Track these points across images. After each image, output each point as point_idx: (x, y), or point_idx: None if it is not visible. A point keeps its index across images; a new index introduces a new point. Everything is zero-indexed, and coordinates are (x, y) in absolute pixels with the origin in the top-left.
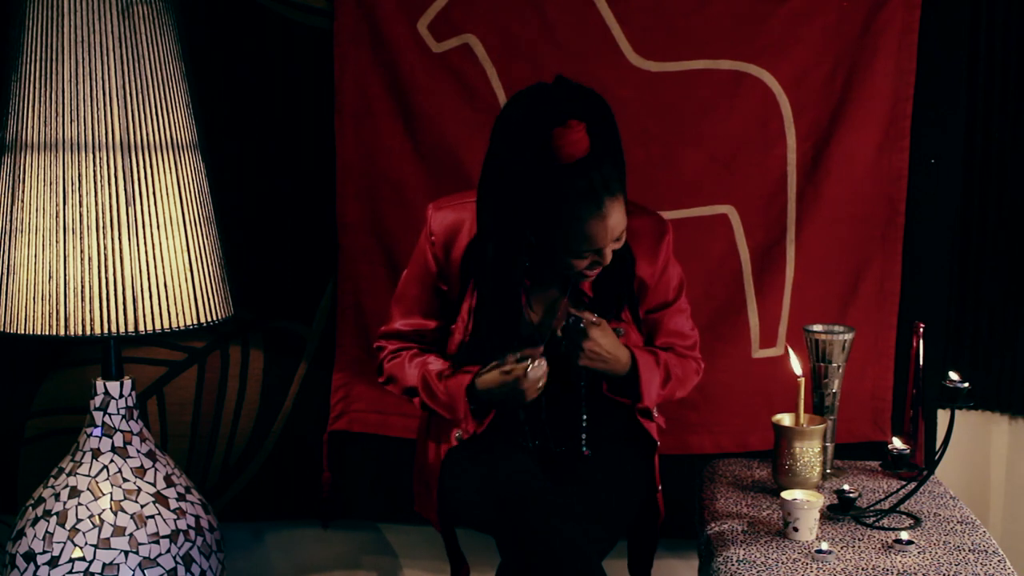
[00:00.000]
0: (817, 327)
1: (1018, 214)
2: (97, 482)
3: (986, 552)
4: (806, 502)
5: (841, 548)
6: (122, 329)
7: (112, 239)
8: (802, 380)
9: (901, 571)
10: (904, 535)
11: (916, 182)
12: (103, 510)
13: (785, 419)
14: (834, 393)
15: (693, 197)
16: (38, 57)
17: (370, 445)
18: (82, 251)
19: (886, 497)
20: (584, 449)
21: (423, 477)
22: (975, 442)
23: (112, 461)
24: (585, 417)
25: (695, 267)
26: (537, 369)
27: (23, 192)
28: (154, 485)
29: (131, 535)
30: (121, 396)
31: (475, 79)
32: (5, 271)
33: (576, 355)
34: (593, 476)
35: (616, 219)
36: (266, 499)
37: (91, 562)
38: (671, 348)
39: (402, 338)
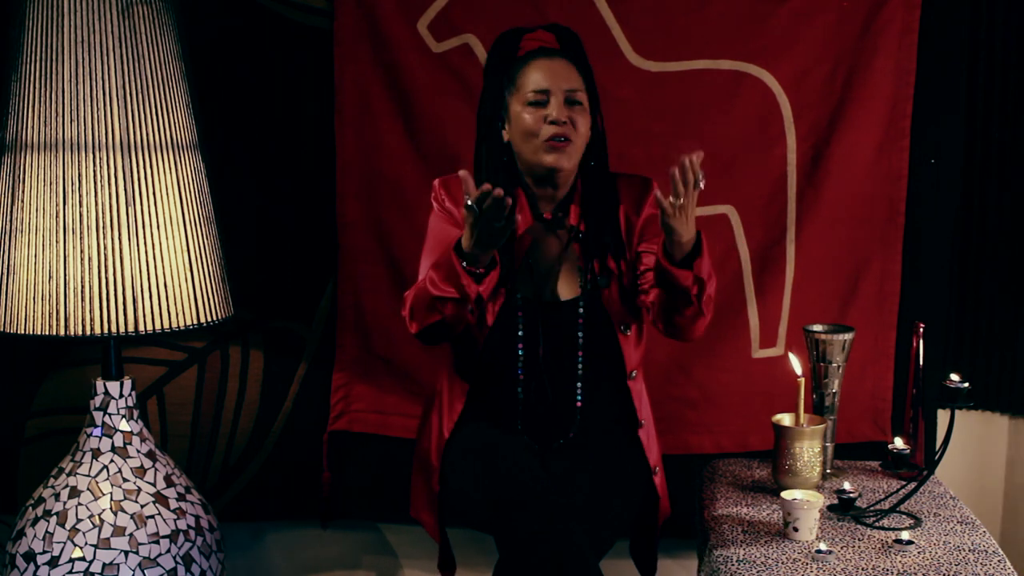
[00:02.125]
0: (817, 327)
1: (1018, 214)
2: (97, 482)
3: (986, 552)
4: (806, 502)
5: (841, 548)
6: (122, 329)
7: (112, 239)
8: (802, 380)
9: (901, 571)
10: (904, 535)
11: (916, 182)
12: (103, 510)
13: (785, 419)
14: (834, 393)
15: None
16: (38, 57)
17: (370, 445)
18: (82, 251)
19: (886, 497)
20: (578, 400)
21: (422, 472)
22: (975, 442)
23: (112, 461)
24: (581, 367)
25: None
26: (483, 196)
27: (23, 192)
28: (154, 485)
29: (131, 535)
30: (121, 396)
31: (475, 79)
32: (5, 271)
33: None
34: (594, 473)
35: (564, 71)
36: (266, 499)
37: (91, 562)
38: None
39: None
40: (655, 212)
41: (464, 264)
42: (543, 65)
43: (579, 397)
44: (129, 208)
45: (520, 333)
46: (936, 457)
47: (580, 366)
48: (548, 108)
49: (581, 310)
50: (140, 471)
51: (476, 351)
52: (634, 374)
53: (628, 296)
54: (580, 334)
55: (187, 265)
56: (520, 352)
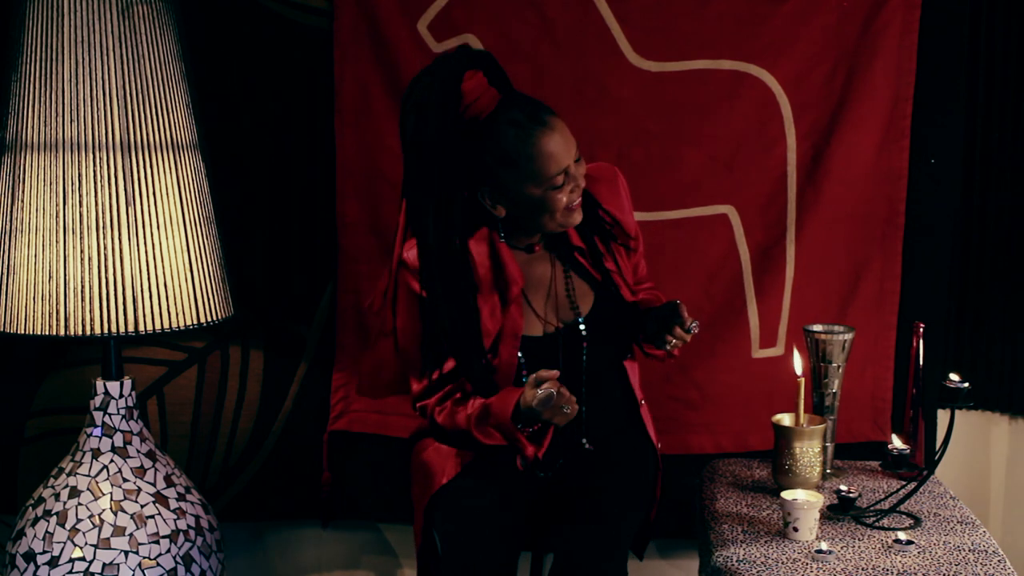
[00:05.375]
0: (817, 327)
1: (1018, 214)
2: (97, 482)
3: (986, 552)
4: (806, 502)
5: (841, 548)
6: (122, 329)
7: (112, 239)
8: (802, 380)
9: (901, 571)
10: (904, 535)
11: (916, 182)
12: (103, 510)
13: (785, 419)
14: (834, 393)
15: (693, 197)
16: (38, 57)
17: (370, 445)
18: (82, 251)
19: (886, 497)
20: (584, 442)
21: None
22: (975, 442)
23: (112, 461)
24: (586, 380)
25: (695, 267)
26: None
27: (23, 192)
28: (154, 485)
29: (131, 535)
30: (121, 396)
31: None
32: (5, 271)
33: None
34: (607, 484)
35: (567, 134)
36: (266, 499)
37: (91, 562)
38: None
39: (436, 389)
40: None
41: (520, 426)
42: (548, 142)
43: (584, 408)
44: (129, 208)
45: (524, 377)
46: (936, 457)
47: (585, 379)
48: (569, 182)
49: (583, 331)
50: (140, 471)
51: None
52: (630, 354)
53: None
54: (592, 351)
55: (187, 265)
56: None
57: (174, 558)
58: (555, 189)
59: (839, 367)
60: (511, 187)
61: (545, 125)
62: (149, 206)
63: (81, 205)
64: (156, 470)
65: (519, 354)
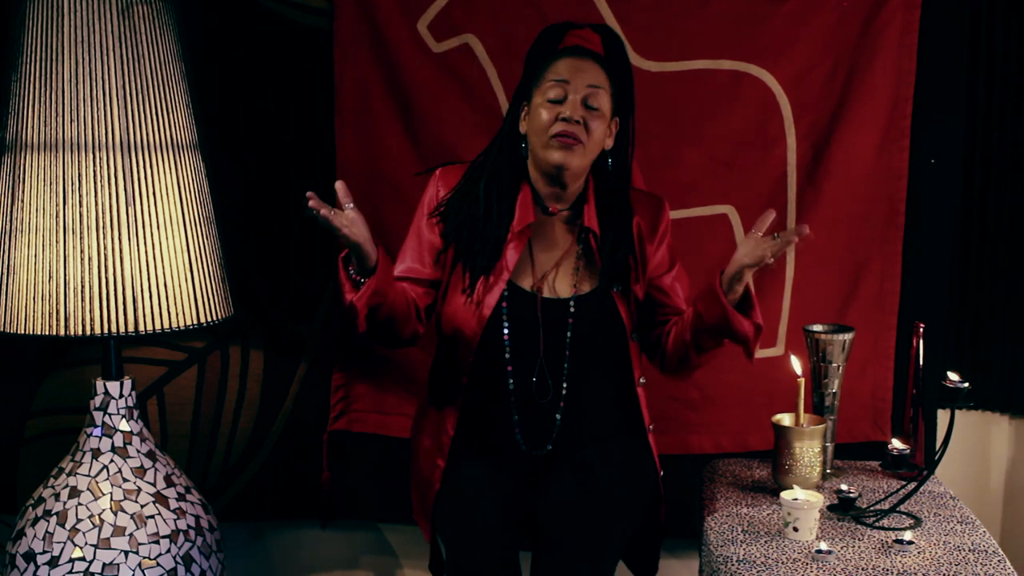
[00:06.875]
0: (817, 327)
1: (1018, 214)
2: (97, 482)
3: (986, 552)
4: (806, 502)
5: (841, 548)
6: (122, 329)
7: (112, 239)
8: (802, 380)
9: (901, 571)
10: (904, 535)
11: (916, 182)
12: (103, 510)
13: (785, 419)
14: (834, 393)
15: (693, 197)
16: (38, 57)
17: (370, 445)
18: (82, 251)
19: (886, 497)
20: (573, 401)
21: (419, 488)
22: (975, 442)
23: (112, 461)
24: (579, 366)
25: (695, 267)
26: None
27: (23, 192)
28: (154, 485)
29: (131, 535)
30: (121, 396)
31: (475, 79)
32: (5, 271)
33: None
34: (604, 495)
35: (593, 70)
36: (266, 499)
37: (91, 562)
38: None
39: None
40: (672, 243)
41: (349, 270)
42: (570, 61)
43: (563, 393)
44: (129, 208)
45: (506, 323)
46: (936, 457)
47: (577, 364)
48: (564, 105)
49: (572, 308)
50: (140, 471)
51: (471, 347)
52: (643, 380)
53: (639, 305)
54: (576, 332)
55: (187, 265)
56: (507, 343)
57: (174, 558)
58: (551, 103)
59: (839, 367)
60: (532, 96)
61: (576, 54)
62: (149, 206)
63: (81, 205)
64: (156, 470)
65: (504, 290)
